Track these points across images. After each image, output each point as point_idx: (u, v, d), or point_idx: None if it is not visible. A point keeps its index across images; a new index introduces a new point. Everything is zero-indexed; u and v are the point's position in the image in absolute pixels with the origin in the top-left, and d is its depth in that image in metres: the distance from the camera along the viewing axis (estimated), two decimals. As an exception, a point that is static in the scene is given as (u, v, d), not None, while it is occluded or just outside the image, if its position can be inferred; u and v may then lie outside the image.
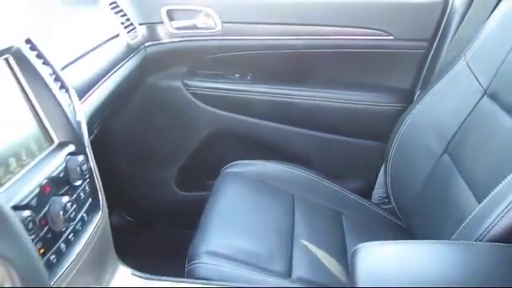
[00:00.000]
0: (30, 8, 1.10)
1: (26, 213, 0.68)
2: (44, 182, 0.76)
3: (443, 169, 1.14)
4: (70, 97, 0.92)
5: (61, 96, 0.88)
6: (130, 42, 1.45)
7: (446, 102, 1.22)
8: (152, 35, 1.59)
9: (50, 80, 0.87)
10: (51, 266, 0.76)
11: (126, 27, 1.46)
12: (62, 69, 0.99)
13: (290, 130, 1.65)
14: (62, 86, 0.91)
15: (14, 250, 0.42)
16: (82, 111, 0.94)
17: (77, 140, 0.88)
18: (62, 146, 0.86)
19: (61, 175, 0.81)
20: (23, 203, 0.70)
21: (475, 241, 0.83)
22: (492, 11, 1.25)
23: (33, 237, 0.68)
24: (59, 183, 0.80)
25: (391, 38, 1.50)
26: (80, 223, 0.85)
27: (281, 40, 1.56)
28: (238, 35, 1.58)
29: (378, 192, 1.60)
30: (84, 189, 0.87)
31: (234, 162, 1.47)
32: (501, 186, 0.86)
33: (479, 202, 0.91)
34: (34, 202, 0.72)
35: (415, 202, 1.22)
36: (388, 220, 1.40)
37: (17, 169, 0.75)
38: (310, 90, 1.60)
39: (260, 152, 1.61)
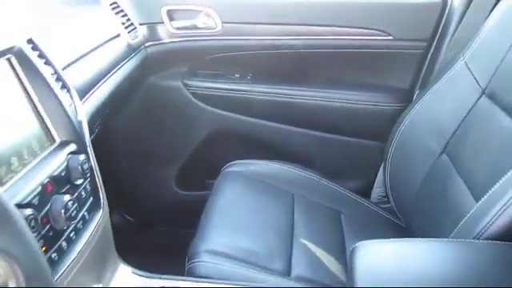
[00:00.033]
0: (32, 8, 1.11)
1: (28, 211, 0.68)
2: (46, 181, 0.77)
3: (442, 168, 1.15)
4: (71, 96, 0.93)
5: (62, 96, 0.88)
6: (131, 42, 1.46)
7: (444, 101, 1.22)
8: (152, 35, 1.60)
9: (51, 80, 0.87)
10: (53, 264, 0.77)
11: (126, 27, 1.46)
12: (64, 69, 1.00)
13: (290, 130, 1.65)
14: (64, 86, 0.92)
15: (18, 247, 0.42)
16: (83, 111, 0.95)
17: (78, 139, 0.89)
18: (63, 145, 0.86)
19: (62, 174, 0.81)
20: (25, 201, 0.71)
21: (473, 239, 0.84)
22: (491, 11, 1.25)
23: (35, 235, 0.68)
24: (61, 182, 0.81)
25: (390, 38, 1.50)
26: (81, 222, 0.86)
27: (281, 40, 1.56)
28: (238, 35, 1.58)
29: (377, 191, 1.61)
30: (85, 188, 0.88)
31: (234, 162, 1.48)
32: (498, 184, 0.87)
33: (477, 201, 0.91)
34: (35, 201, 0.73)
35: (414, 201, 1.23)
36: (387, 219, 1.40)
37: (19, 167, 0.75)
38: (309, 89, 1.60)
39: (260, 152, 1.61)
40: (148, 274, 1.06)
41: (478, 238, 0.83)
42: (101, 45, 1.28)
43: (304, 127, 1.65)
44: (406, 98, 1.54)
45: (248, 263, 1.10)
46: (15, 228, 0.42)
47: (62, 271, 0.78)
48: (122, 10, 1.49)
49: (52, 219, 0.76)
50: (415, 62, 1.55)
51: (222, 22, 1.57)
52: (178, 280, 1.02)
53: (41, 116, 0.84)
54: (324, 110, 1.60)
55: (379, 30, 1.50)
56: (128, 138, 1.76)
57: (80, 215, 0.85)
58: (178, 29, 1.60)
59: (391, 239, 0.88)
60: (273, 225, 1.24)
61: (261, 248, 1.15)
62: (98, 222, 0.91)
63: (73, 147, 0.87)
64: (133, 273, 1.05)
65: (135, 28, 1.52)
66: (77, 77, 1.06)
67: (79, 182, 0.86)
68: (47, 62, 0.90)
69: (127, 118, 1.71)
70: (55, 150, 0.84)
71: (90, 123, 1.02)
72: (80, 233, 0.86)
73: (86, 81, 1.13)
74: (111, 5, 1.46)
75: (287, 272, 1.12)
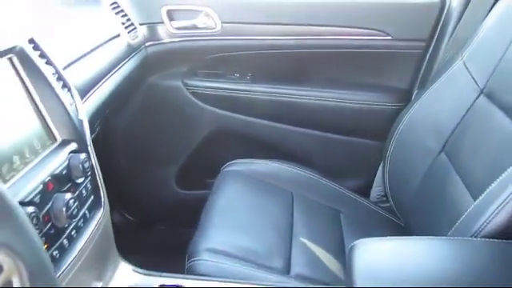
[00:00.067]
0: (33, 8, 1.11)
1: (30, 209, 0.69)
2: (47, 179, 0.77)
3: (440, 167, 1.16)
4: (72, 96, 0.94)
5: (63, 95, 0.89)
6: (131, 41, 1.46)
7: (443, 101, 1.23)
8: (152, 35, 1.60)
9: (52, 79, 0.88)
10: (54, 262, 0.77)
11: (126, 27, 1.46)
12: (64, 68, 1.00)
13: (289, 130, 1.66)
14: (65, 85, 0.93)
15: (22, 243, 0.42)
16: (83, 110, 0.96)
17: (79, 138, 0.90)
18: (64, 143, 0.87)
19: (63, 172, 0.82)
20: (27, 199, 0.71)
21: (471, 237, 0.84)
22: (489, 11, 1.26)
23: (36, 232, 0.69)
24: (62, 180, 0.81)
25: (389, 38, 1.51)
26: (82, 220, 0.87)
27: (280, 40, 1.57)
28: (238, 35, 1.59)
29: (376, 190, 1.61)
30: (86, 186, 0.88)
31: (234, 161, 1.48)
32: (496, 183, 0.87)
33: (475, 200, 0.92)
34: (37, 199, 0.73)
35: (413, 200, 1.23)
36: (386, 218, 1.41)
37: (20, 166, 0.76)
38: (309, 89, 1.61)
39: (259, 151, 1.62)
40: (148, 272, 1.06)
41: (475, 236, 0.84)
42: (101, 45, 1.28)
43: (303, 127, 1.65)
44: (405, 98, 1.54)
45: (248, 261, 1.11)
46: (19, 224, 0.43)
47: (63, 269, 0.79)
48: (122, 10, 1.49)
49: (53, 217, 0.77)
50: (414, 61, 1.55)
51: (222, 22, 1.57)
52: (178, 278, 1.02)
53: (42, 115, 0.85)
54: (323, 109, 1.61)
55: (378, 30, 1.51)
56: (128, 137, 1.77)
57: (81, 213, 0.86)
58: (178, 29, 1.60)
59: (389, 237, 0.88)
60: (272, 223, 1.25)
61: (260, 246, 1.16)
62: (99, 221, 0.92)
63: (74, 146, 0.88)
64: (133, 271, 1.06)
65: (135, 28, 1.52)
66: (77, 76, 1.07)
67: (80, 180, 0.86)
68: (48, 62, 0.90)
69: (127, 118, 1.72)
70: (56, 148, 0.85)
71: (91, 122, 1.02)
72: (81, 231, 0.86)
73: (87, 80, 1.13)
74: (111, 5, 1.46)
75: (286, 270, 1.13)
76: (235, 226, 1.23)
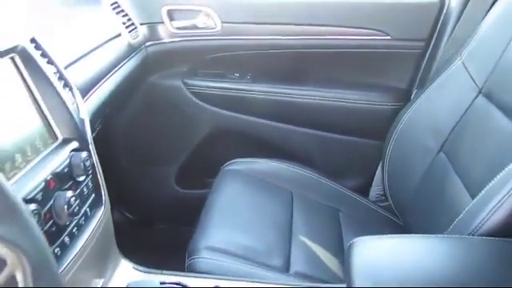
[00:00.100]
0: (34, 8, 1.12)
1: (32, 206, 0.70)
2: (49, 177, 0.78)
3: (439, 166, 1.16)
4: (73, 95, 0.94)
5: (65, 94, 0.90)
6: (132, 41, 1.47)
7: (442, 100, 1.23)
8: (153, 35, 1.61)
9: (54, 78, 0.89)
10: (56, 259, 0.78)
11: (127, 27, 1.47)
12: (66, 67, 1.01)
13: (289, 129, 1.66)
14: (66, 85, 0.93)
15: (26, 239, 0.43)
16: (85, 109, 0.96)
17: (80, 137, 0.90)
18: (65, 142, 0.88)
19: (65, 171, 0.83)
20: (29, 197, 0.72)
21: (468, 235, 0.85)
22: (488, 11, 1.26)
23: (39, 229, 0.70)
24: (63, 178, 0.82)
25: (388, 37, 1.51)
26: (83, 218, 0.87)
27: (279, 40, 1.57)
28: (238, 35, 1.59)
29: (375, 190, 1.62)
30: (87, 184, 0.89)
31: (234, 160, 1.49)
32: (493, 181, 0.88)
33: (473, 199, 0.92)
34: (39, 196, 0.74)
35: (411, 199, 1.24)
36: (385, 217, 1.42)
37: (22, 164, 0.77)
38: (308, 89, 1.61)
39: (259, 150, 1.62)
40: (149, 270, 1.06)
41: (473, 234, 0.84)
42: (102, 44, 1.29)
43: (303, 126, 1.66)
44: (404, 98, 1.55)
45: (247, 259, 1.11)
46: (23, 220, 0.43)
47: (64, 266, 0.80)
48: (122, 10, 1.50)
49: (55, 215, 0.78)
50: (413, 61, 1.56)
51: (222, 22, 1.58)
52: (179, 276, 1.03)
53: (44, 114, 0.86)
54: (323, 109, 1.61)
55: (378, 30, 1.51)
56: (129, 136, 1.77)
57: (82, 211, 0.87)
58: (178, 28, 1.61)
59: (388, 235, 0.89)
60: (272, 222, 1.26)
61: (260, 245, 1.17)
62: (100, 218, 0.93)
63: (75, 144, 0.89)
64: (134, 268, 1.06)
65: (136, 28, 1.53)
66: (78, 76, 1.07)
67: (81, 178, 0.87)
68: (50, 61, 0.91)
69: (128, 117, 1.72)
70: (58, 147, 0.86)
71: (92, 121, 1.03)
72: (82, 228, 0.87)
73: (88, 80, 1.14)
74: (112, 5, 1.47)
75: (286, 268, 1.13)
76: (235, 224, 1.24)
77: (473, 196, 0.95)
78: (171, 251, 1.17)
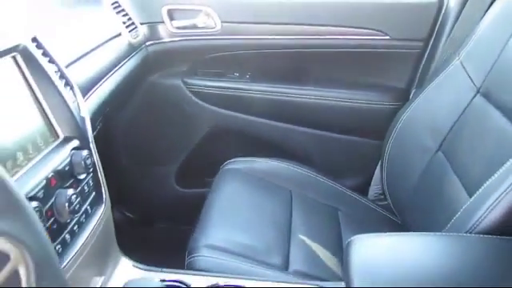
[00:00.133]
0: (35, 8, 1.13)
1: (34, 204, 0.71)
2: (50, 175, 0.78)
3: (437, 165, 1.17)
4: (74, 94, 0.95)
5: (66, 93, 0.90)
6: (132, 41, 1.47)
7: (440, 100, 1.24)
8: (153, 34, 1.61)
9: (55, 77, 0.89)
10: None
11: (127, 26, 1.48)
12: (67, 66, 1.01)
13: (288, 128, 1.67)
14: (67, 83, 0.94)
15: (29, 234, 0.43)
16: (85, 108, 0.97)
17: (81, 135, 0.91)
18: (66, 140, 0.88)
19: (66, 169, 0.83)
20: (31, 195, 0.73)
21: (466, 233, 0.86)
22: (486, 11, 1.27)
23: (40, 227, 0.71)
24: (64, 176, 0.83)
25: (387, 37, 1.52)
26: (84, 215, 0.88)
27: (279, 39, 1.58)
28: (237, 35, 1.60)
29: (374, 189, 1.63)
30: (88, 182, 0.90)
31: (233, 159, 1.49)
32: (491, 180, 0.89)
33: (471, 197, 0.93)
34: (40, 194, 0.75)
35: (410, 198, 1.24)
36: (383, 216, 1.42)
37: (24, 162, 0.77)
38: (307, 88, 1.62)
39: (259, 149, 1.62)
40: (149, 268, 1.07)
41: (470, 232, 0.85)
42: (102, 44, 1.30)
43: (302, 125, 1.66)
44: (403, 97, 1.55)
45: (246, 258, 1.12)
46: (26, 216, 0.44)
47: (65, 263, 0.80)
48: (123, 10, 1.51)
49: (56, 212, 0.78)
50: (412, 61, 1.56)
51: (222, 22, 1.58)
52: (179, 273, 1.03)
53: (45, 112, 0.86)
54: (322, 108, 1.62)
55: (377, 30, 1.52)
56: (129, 135, 1.78)
57: (83, 209, 0.87)
58: (178, 28, 1.61)
59: (386, 233, 0.90)
60: (271, 221, 1.26)
61: (259, 243, 1.17)
62: (101, 216, 0.93)
63: (76, 143, 0.89)
64: (134, 266, 1.07)
65: (136, 27, 1.54)
66: (79, 75, 1.08)
67: (82, 176, 0.88)
68: (51, 60, 0.91)
69: (128, 116, 1.73)
70: (59, 145, 0.86)
71: (92, 120, 1.03)
72: (83, 226, 0.87)
73: (89, 79, 1.14)
74: (112, 4, 1.48)
75: (285, 267, 1.14)
76: (234, 223, 1.24)
77: (470, 195, 0.95)
78: (171, 250, 1.18)
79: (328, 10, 1.54)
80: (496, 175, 0.89)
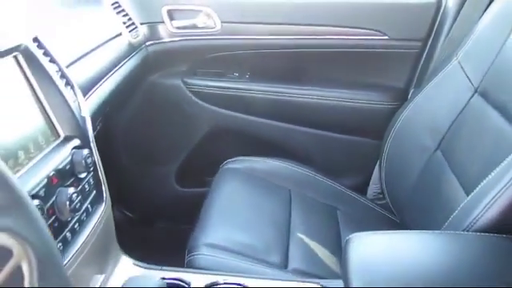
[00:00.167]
0: (36, 8, 1.14)
1: (35, 202, 0.71)
2: (51, 174, 0.79)
3: (436, 165, 1.17)
4: (74, 93, 0.95)
5: (66, 92, 0.91)
6: (132, 41, 1.48)
7: (438, 100, 1.24)
8: (153, 34, 1.62)
9: (56, 77, 0.90)
10: (58, 254, 0.79)
11: (127, 26, 1.48)
12: (67, 66, 1.02)
13: (288, 128, 1.67)
14: (68, 83, 0.94)
15: (32, 231, 0.44)
16: (86, 107, 0.98)
17: (82, 134, 0.92)
18: (67, 139, 0.89)
19: (67, 167, 0.84)
20: (32, 193, 0.73)
21: (463, 231, 0.86)
22: (484, 11, 1.27)
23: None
24: (65, 175, 0.84)
25: (386, 37, 1.52)
26: (85, 214, 0.89)
27: (278, 39, 1.59)
28: (237, 35, 1.61)
29: (372, 188, 1.63)
30: (88, 181, 0.91)
31: (233, 159, 1.50)
32: (488, 179, 0.89)
33: (468, 196, 0.94)
34: (42, 192, 0.75)
35: (408, 197, 1.25)
36: (382, 215, 1.43)
37: (25, 161, 0.78)
38: (306, 88, 1.62)
39: (258, 149, 1.63)
40: (149, 266, 1.08)
41: (467, 230, 0.85)
42: (103, 44, 1.31)
43: (301, 125, 1.67)
44: (402, 97, 1.56)
45: (246, 256, 1.13)
46: (29, 213, 0.44)
47: (66, 261, 0.81)
48: (123, 10, 1.51)
49: (57, 210, 0.79)
50: (410, 61, 1.57)
51: (221, 22, 1.59)
52: (179, 271, 1.04)
53: (46, 112, 0.87)
54: (321, 108, 1.62)
55: (375, 30, 1.52)
56: (129, 135, 1.78)
57: (84, 207, 0.88)
58: (178, 28, 1.62)
59: (384, 231, 0.90)
60: (270, 220, 1.27)
61: (258, 242, 1.18)
62: (101, 215, 0.94)
63: (76, 142, 0.90)
64: (134, 264, 1.08)
65: (136, 27, 1.54)
66: (80, 74, 1.09)
67: (83, 175, 0.88)
68: (52, 60, 0.92)
69: (128, 116, 1.73)
70: (60, 144, 0.87)
71: (93, 119, 1.04)
72: (84, 224, 0.88)
73: (89, 78, 1.15)
74: (113, 4, 1.48)
75: (284, 265, 1.14)
76: (234, 222, 1.25)
77: (468, 193, 0.96)
78: (171, 249, 1.18)
79: (327, 10, 1.54)
80: (493, 174, 0.89)
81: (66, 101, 0.90)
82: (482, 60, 1.14)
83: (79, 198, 0.83)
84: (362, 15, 1.53)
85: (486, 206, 0.84)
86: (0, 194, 0.41)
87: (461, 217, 0.90)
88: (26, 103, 0.84)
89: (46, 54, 0.91)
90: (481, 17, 1.26)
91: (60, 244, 0.80)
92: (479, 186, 0.90)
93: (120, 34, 1.43)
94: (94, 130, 1.02)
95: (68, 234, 0.82)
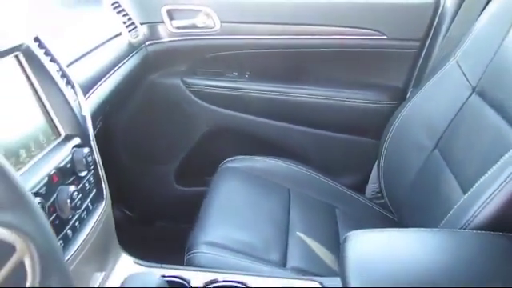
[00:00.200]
0: (37, 8, 1.14)
1: (37, 200, 0.72)
2: (52, 172, 0.80)
3: (434, 163, 1.18)
4: (75, 92, 0.96)
5: (67, 91, 0.92)
6: (132, 40, 1.49)
7: (436, 99, 1.25)
8: (153, 34, 1.62)
9: (57, 76, 0.90)
10: (59, 251, 0.80)
11: (127, 26, 1.49)
12: (68, 66, 1.02)
13: (287, 127, 1.68)
14: (68, 82, 0.95)
15: (34, 227, 0.44)
16: (86, 106, 0.98)
17: (82, 133, 0.92)
18: (68, 138, 0.90)
19: (67, 166, 0.85)
20: (33, 191, 0.74)
21: (460, 229, 0.87)
22: (482, 11, 1.27)
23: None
24: (66, 173, 0.84)
25: (385, 37, 1.53)
26: (85, 212, 0.89)
27: (277, 39, 1.59)
28: (237, 34, 1.61)
29: (371, 187, 1.63)
30: (89, 179, 0.91)
31: (232, 158, 1.51)
32: (485, 177, 0.90)
33: (465, 194, 0.95)
34: (43, 190, 0.76)
35: (406, 196, 1.25)
36: (380, 214, 1.43)
37: (26, 159, 0.79)
38: (305, 88, 1.63)
39: (257, 148, 1.63)
40: (149, 264, 1.08)
41: (464, 228, 0.86)
42: (103, 43, 1.31)
43: (300, 124, 1.67)
44: (400, 96, 1.57)
45: (245, 254, 1.13)
46: (31, 209, 0.45)
47: (67, 258, 0.81)
48: (123, 10, 1.52)
49: (58, 208, 0.80)
50: (409, 60, 1.57)
51: (221, 22, 1.59)
52: (179, 269, 1.04)
53: (47, 111, 0.87)
54: (320, 107, 1.63)
55: (374, 30, 1.53)
56: (128, 134, 1.79)
57: (84, 205, 0.89)
58: (178, 28, 1.62)
59: (381, 229, 0.91)
60: (269, 218, 1.27)
61: (257, 240, 1.18)
62: (101, 213, 0.95)
63: (77, 141, 0.91)
64: (134, 262, 1.08)
65: (136, 27, 1.55)
66: (80, 74, 1.09)
67: (83, 173, 0.89)
68: (53, 60, 0.93)
69: (128, 115, 1.74)
70: (60, 143, 0.88)
71: (93, 119, 1.04)
72: (84, 222, 0.89)
73: (89, 78, 1.16)
74: (113, 4, 1.49)
75: (283, 263, 1.15)
76: (233, 220, 1.25)
77: (465, 192, 0.96)
78: (171, 248, 1.18)
79: (325, 10, 1.55)
80: (490, 172, 0.90)
81: (66, 100, 0.90)
82: (479, 59, 1.14)
83: (80, 196, 0.84)
84: (360, 15, 1.53)
85: (483, 203, 0.85)
86: (3, 192, 0.42)
87: (458, 215, 0.91)
88: (27, 102, 0.84)
89: (47, 53, 0.92)
90: (479, 16, 1.26)
91: (61, 241, 0.80)
92: (476, 185, 0.91)
93: (120, 34, 1.43)
94: (94, 128, 1.03)
95: (69, 232, 0.83)
